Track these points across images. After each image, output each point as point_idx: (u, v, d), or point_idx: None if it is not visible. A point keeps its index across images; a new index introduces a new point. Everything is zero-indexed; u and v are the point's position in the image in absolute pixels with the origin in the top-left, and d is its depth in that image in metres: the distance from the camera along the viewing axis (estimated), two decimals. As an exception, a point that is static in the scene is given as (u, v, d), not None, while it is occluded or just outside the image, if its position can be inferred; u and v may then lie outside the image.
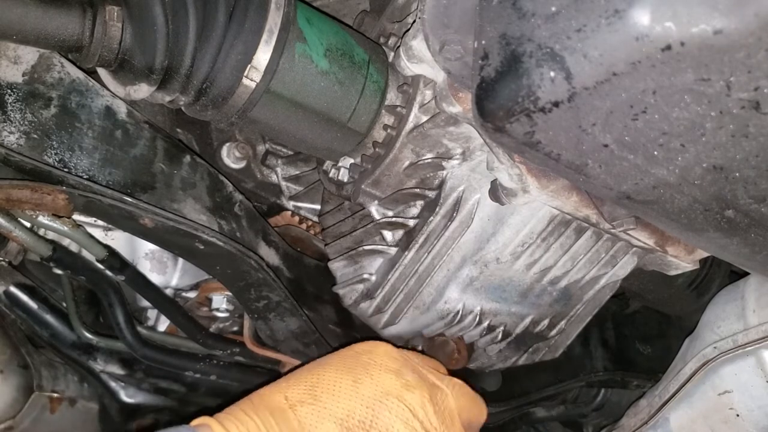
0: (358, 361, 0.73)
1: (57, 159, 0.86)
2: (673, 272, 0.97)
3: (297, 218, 1.14)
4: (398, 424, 0.68)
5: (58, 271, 0.97)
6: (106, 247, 0.96)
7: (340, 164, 0.94)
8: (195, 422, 0.65)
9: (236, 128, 1.09)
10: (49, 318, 1.06)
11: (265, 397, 0.68)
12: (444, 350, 0.96)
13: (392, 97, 0.88)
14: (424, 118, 0.84)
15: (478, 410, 0.79)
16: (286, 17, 0.79)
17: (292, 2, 0.81)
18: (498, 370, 1.14)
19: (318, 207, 1.12)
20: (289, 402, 0.67)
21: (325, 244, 1.03)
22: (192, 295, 1.16)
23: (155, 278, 1.10)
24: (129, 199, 0.86)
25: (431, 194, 0.88)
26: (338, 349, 0.78)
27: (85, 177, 0.86)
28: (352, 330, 1.07)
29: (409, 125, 0.85)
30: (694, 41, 0.46)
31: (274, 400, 0.67)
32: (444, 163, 0.85)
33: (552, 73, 0.53)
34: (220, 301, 1.14)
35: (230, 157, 1.09)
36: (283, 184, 1.13)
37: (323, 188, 1.05)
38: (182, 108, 0.83)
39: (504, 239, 0.87)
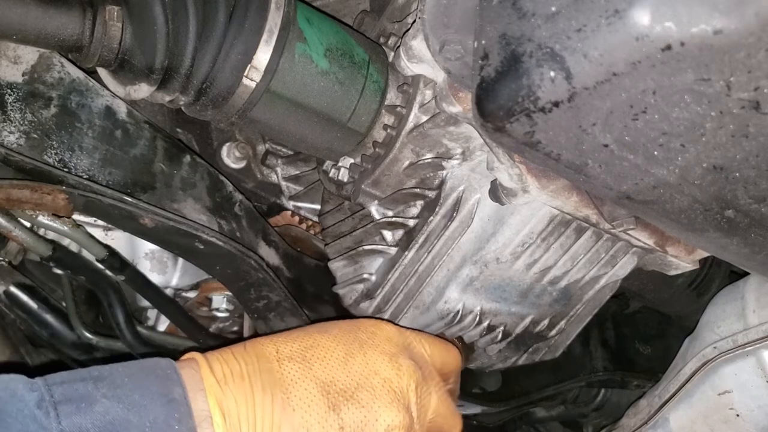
0: (357, 336, 0.74)
1: (57, 159, 0.86)
2: (673, 272, 0.97)
3: (297, 218, 1.14)
4: (380, 401, 0.68)
5: (58, 271, 0.97)
6: (106, 247, 0.96)
7: (340, 164, 0.94)
8: (185, 357, 0.66)
9: (236, 128, 1.09)
10: (49, 318, 1.06)
11: (257, 345, 0.69)
12: None
13: (392, 97, 0.88)
14: (424, 118, 0.84)
15: (454, 422, 0.78)
16: (286, 17, 0.79)
17: (292, 2, 0.81)
18: (498, 370, 1.14)
19: (318, 207, 1.12)
20: (278, 355, 0.68)
21: (325, 244, 1.03)
22: (192, 295, 1.16)
23: (155, 278, 1.10)
24: (129, 199, 0.86)
25: (431, 194, 0.88)
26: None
27: (85, 177, 0.86)
28: (352, 330, 1.07)
29: (409, 125, 0.85)
30: (694, 41, 0.46)
31: (265, 350, 0.68)
32: (444, 163, 0.85)
33: (552, 73, 0.53)
34: (220, 301, 1.14)
35: (230, 157, 1.09)
36: (283, 184, 1.12)
37: (323, 188, 1.05)
38: (182, 108, 0.83)
39: (504, 239, 0.87)
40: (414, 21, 0.77)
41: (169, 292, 1.14)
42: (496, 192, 0.81)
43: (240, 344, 0.70)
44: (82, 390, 0.56)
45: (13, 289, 1.03)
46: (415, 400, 0.71)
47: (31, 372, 0.57)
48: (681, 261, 0.93)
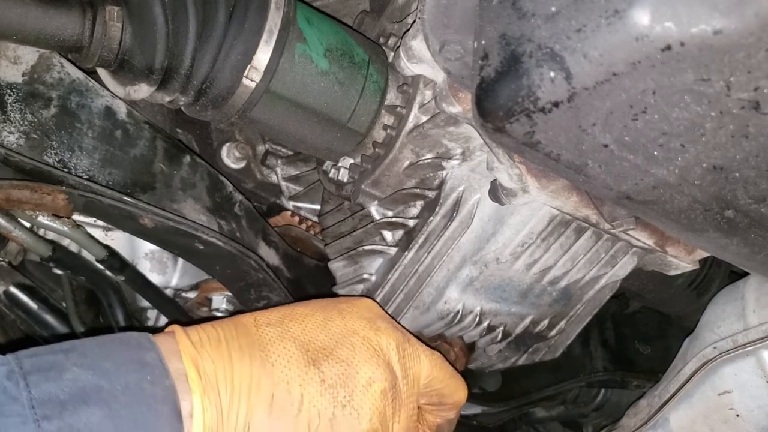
0: (336, 306, 0.75)
1: (57, 159, 0.86)
2: (673, 272, 0.97)
3: (297, 218, 1.14)
4: (359, 356, 0.68)
5: (58, 271, 0.97)
6: (106, 247, 0.96)
7: (340, 164, 0.94)
8: (167, 329, 0.67)
9: (236, 128, 1.09)
10: (49, 318, 1.06)
11: (236, 318, 0.70)
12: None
13: (392, 97, 0.88)
14: (424, 118, 0.84)
15: (454, 386, 0.77)
16: (286, 17, 0.79)
17: (292, 2, 0.81)
18: (498, 370, 1.14)
19: (318, 207, 1.12)
20: (256, 322, 0.69)
21: (325, 244, 1.03)
22: (192, 295, 1.16)
23: (155, 278, 1.10)
24: (129, 199, 0.86)
25: (431, 194, 0.88)
26: None
27: (85, 177, 0.86)
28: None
29: (409, 125, 0.85)
30: (694, 41, 0.46)
31: (243, 320, 0.69)
32: (444, 163, 0.85)
33: (552, 73, 0.53)
34: (220, 301, 1.14)
35: (230, 157, 1.09)
36: (283, 184, 1.12)
37: (323, 188, 1.05)
38: (182, 108, 0.83)
39: (504, 239, 0.87)
40: (414, 21, 0.78)
41: (169, 292, 1.13)
42: (496, 192, 0.81)
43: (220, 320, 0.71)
44: (51, 360, 0.56)
45: (13, 289, 1.03)
46: (397, 358, 0.71)
47: (2, 350, 0.57)
48: (681, 261, 0.93)
